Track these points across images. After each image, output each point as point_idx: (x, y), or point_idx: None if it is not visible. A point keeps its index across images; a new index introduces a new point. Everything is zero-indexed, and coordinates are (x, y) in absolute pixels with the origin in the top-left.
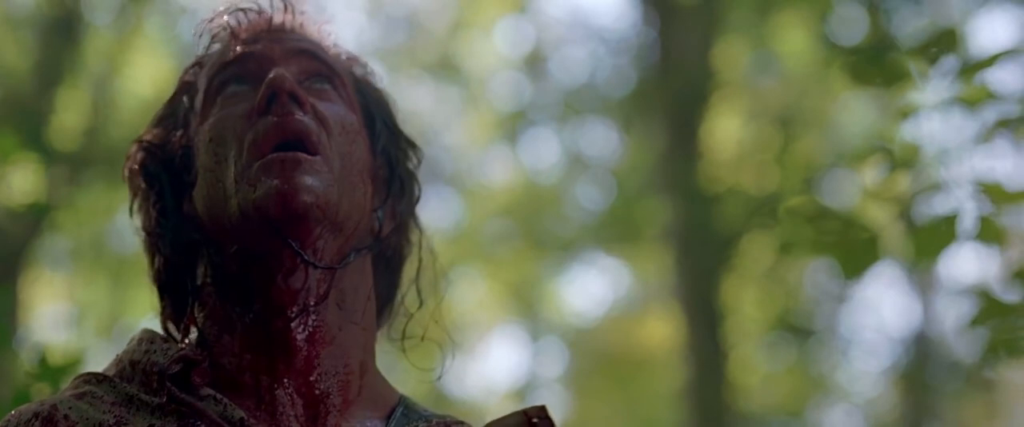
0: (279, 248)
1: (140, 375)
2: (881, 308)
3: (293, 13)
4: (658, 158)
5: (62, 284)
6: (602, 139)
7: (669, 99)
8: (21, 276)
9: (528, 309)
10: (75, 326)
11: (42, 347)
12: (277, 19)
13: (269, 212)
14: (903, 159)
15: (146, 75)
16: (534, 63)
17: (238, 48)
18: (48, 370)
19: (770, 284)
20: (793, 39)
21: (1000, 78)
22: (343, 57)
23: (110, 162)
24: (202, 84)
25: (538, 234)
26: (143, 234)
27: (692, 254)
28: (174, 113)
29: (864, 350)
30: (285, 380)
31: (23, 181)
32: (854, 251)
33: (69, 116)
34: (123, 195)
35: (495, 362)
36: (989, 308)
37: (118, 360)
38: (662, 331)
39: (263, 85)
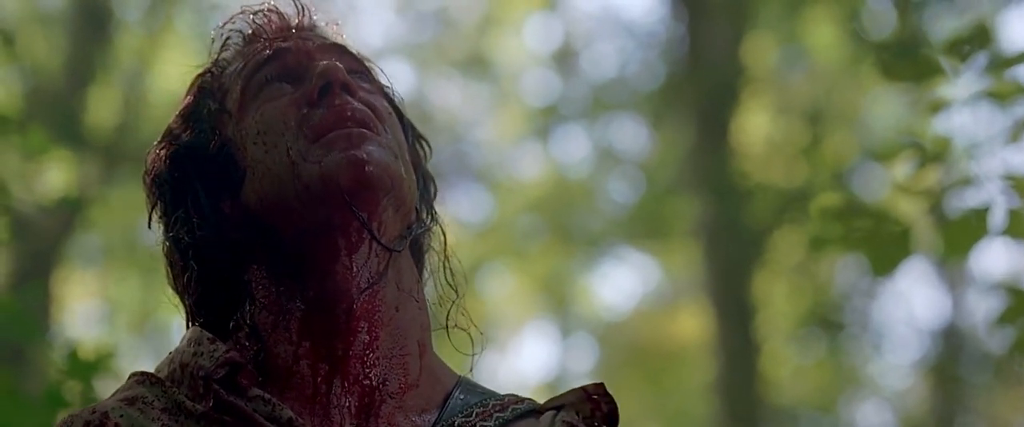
0: (346, 221)
1: (188, 379)
2: (912, 301)
3: (309, 16)
4: (688, 153)
5: (94, 280)
6: (632, 134)
7: (698, 94)
8: (53, 272)
9: (558, 304)
10: (107, 322)
11: (74, 343)
12: (295, 21)
13: (340, 181)
14: (934, 154)
15: (177, 71)
16: (564, 58)
17: (271, 46)
18: (79, 366)
19: (801, 278)
20: (823, 34)
21: None
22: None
23: (142, 158)
24: (236, 84)
25: (568, 229)
26: (176, 241)
27: (722, 249)
28: (198, 117)
29: (895, 343)
30: (343, 367)
31: (56, 177)
32: (885, 246)
33: (101, 112)
34: None
35: (526, 356)
36: (1019, 303)
37: (170, 360)
38: (692, 326)
39: (315, 75)
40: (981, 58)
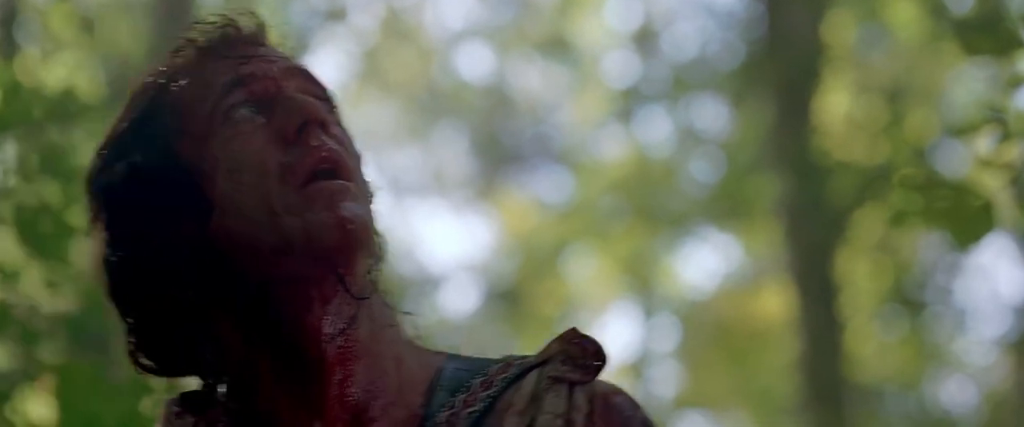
0: (322, 276)
1: None
2: (994, 278)
3: (268, 32)
4: (769, 132)
5: None
6: (713, 114)
7: (779, 73)
8: None
9: (641, 284)
10: None
11: None
12: (253, 34)
13: (323, 240)
14: (1015, 128)
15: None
16: (644, 39)
17: (236, 69)
18: None
19: (883, 256)
20: (903, 10)
21: None
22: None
23: None
24: (200, 106)
25: (650, 209)
26: (128, 261)
27: (804, 227)
28: (152, 133)
29: (978, 320)
30: (322, 411)
31: None
32: (967, 220)
33: None
34: None
35: (610, 337)
36: None
37: None
38: (775, 304)
39: (292, 110)
40: None
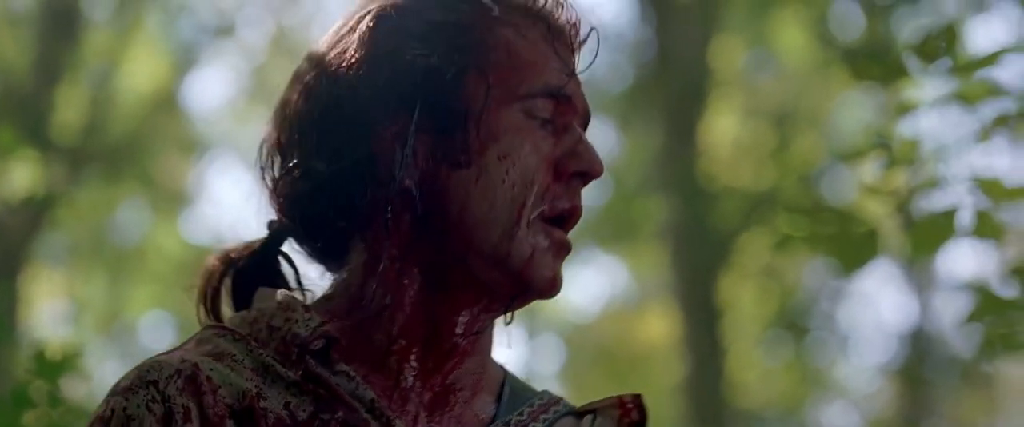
0: (500, 295)
1: (277, 342)
2: (879, 304)
3: (580, 28)
4: (656, 155)
5: (61, 280)
6: (600, 136)
7: (667, 96)
8: (20, 272)
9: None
10: (74, 322)
11: (41, 343)
12: (577, 29)
13: (531, 283)
14: (901, 155)
15: (145, 71)
16: None
17: (562, 76)
18: (46, 366)
19: (768, 281)
20: (790, 36)
21: (998, 75)
22: None
23: (109, 158)
24: (513, 71)
25: None
26: (351, 134)
27: (689, 251)
28: (458, 48)
29: (862, 346)
30: (427, 373)
31: (22, 176)
32: (851, 246)
33: (68, 112)
34: (122, 191)
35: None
36: (986, 304)
37: (252, 320)
38: (660, 327)
39: (584, 159)
40: (948, 60)
